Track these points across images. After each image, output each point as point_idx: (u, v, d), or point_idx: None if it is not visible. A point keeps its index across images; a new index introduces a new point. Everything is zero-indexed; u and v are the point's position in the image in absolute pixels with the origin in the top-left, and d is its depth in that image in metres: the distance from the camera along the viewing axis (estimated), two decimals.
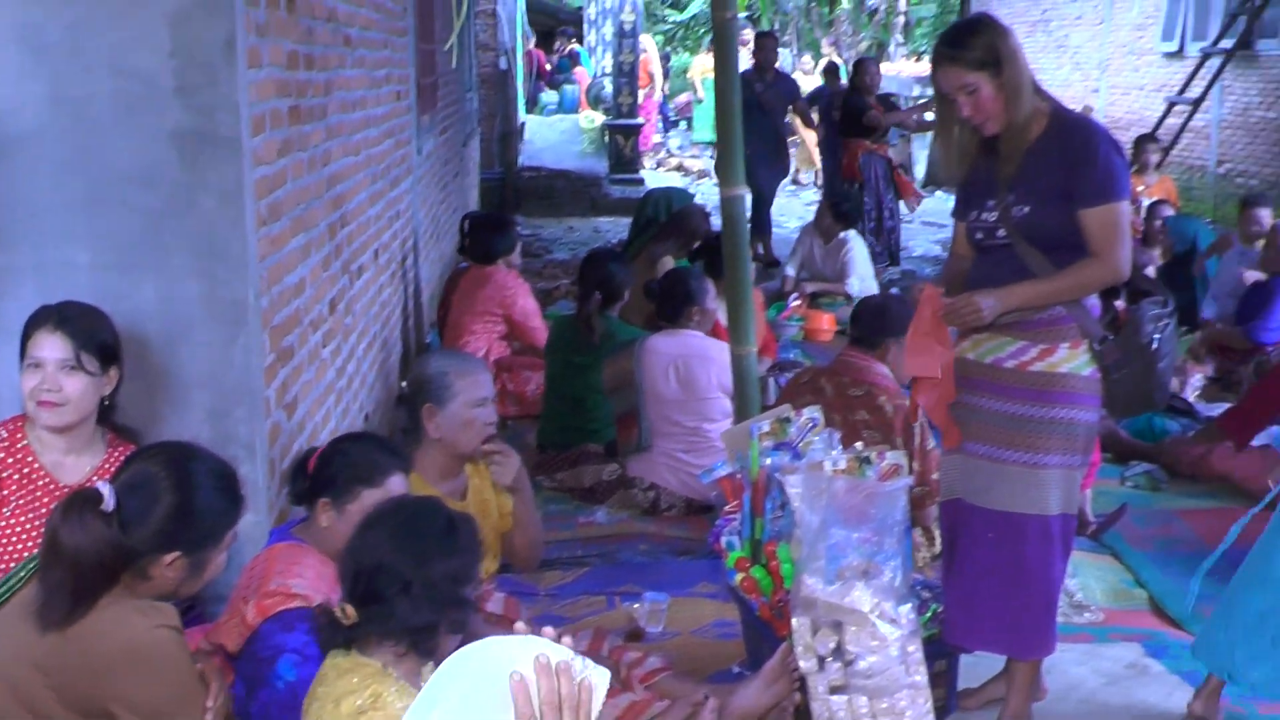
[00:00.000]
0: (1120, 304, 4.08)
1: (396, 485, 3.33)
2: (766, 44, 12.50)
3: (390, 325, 6.55)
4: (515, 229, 7.44)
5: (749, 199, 5.38)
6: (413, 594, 2.68)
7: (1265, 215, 7.97)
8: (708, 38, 22.34)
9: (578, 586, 4.99)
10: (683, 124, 24.16)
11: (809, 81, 18.89)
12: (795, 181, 18.46)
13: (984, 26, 3.80)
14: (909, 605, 3.67)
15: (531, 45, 23.78)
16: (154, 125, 3.53)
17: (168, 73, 3.51)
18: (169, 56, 3.50)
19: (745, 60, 11.80)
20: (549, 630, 1.78)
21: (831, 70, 16.78)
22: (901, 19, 30.59)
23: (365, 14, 5.79)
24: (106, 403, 3.43)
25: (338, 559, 3.25)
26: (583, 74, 24.02)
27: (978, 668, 4.21)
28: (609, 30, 18.96)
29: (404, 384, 4.01)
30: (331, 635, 2.74)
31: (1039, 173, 3.74)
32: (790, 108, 12.80)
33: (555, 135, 19.84)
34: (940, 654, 3.92)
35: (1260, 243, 7.98)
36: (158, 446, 3.06)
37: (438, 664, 2.73)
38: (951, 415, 3.91)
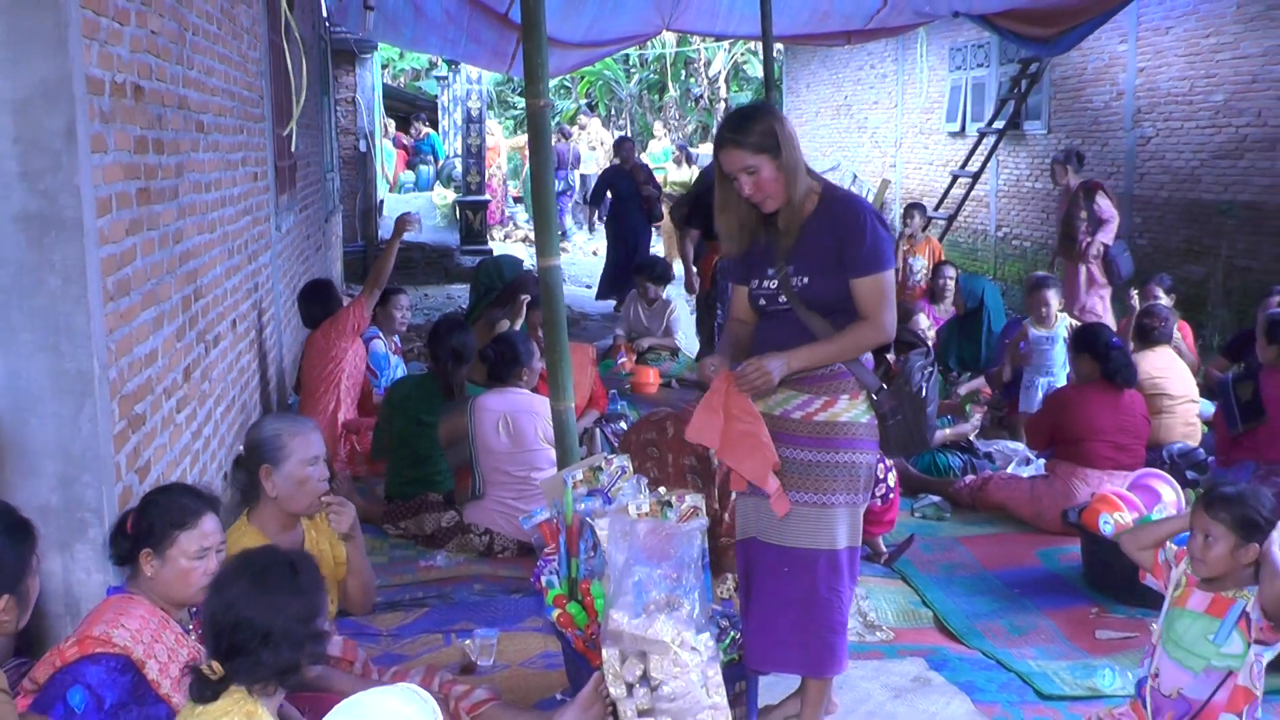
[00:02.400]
0: (891, 356, 4.15)
1: (208, 524, 3.24)
2: (626, 144, 12.52)
3: (250, 390, 6.40)
4: (336, 293, 7.22)
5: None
6: (273, 642, 2.65)
7: (1052, 296, 8.15)
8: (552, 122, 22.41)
9: (417, 626, 4.89)
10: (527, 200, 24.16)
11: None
12: None
13: (764, 114, 3.81)
14: (707, 634, 3.66)
15: (392, 131, 23.65)
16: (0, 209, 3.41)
17: (12, 159, 3.38)
18: (13, 143, 3.37)
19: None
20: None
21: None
22: (723, 104, 31.05)
23: (219, 102, 5.68)
24: None
25: (169, 603, 3.20)
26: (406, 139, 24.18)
27: (776, 686, 4.19)
28: (459, 116, 18.94)
29: (241, 449, 3.90)
30: (201, 690, 2.67)
31: (814, 246, 3.76)
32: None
33: (412, 211, 19.73)
34: (739, 676, 3.92)
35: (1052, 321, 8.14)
36: None
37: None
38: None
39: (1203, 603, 3.62)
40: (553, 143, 20.99)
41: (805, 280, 3.75)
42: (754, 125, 3.73)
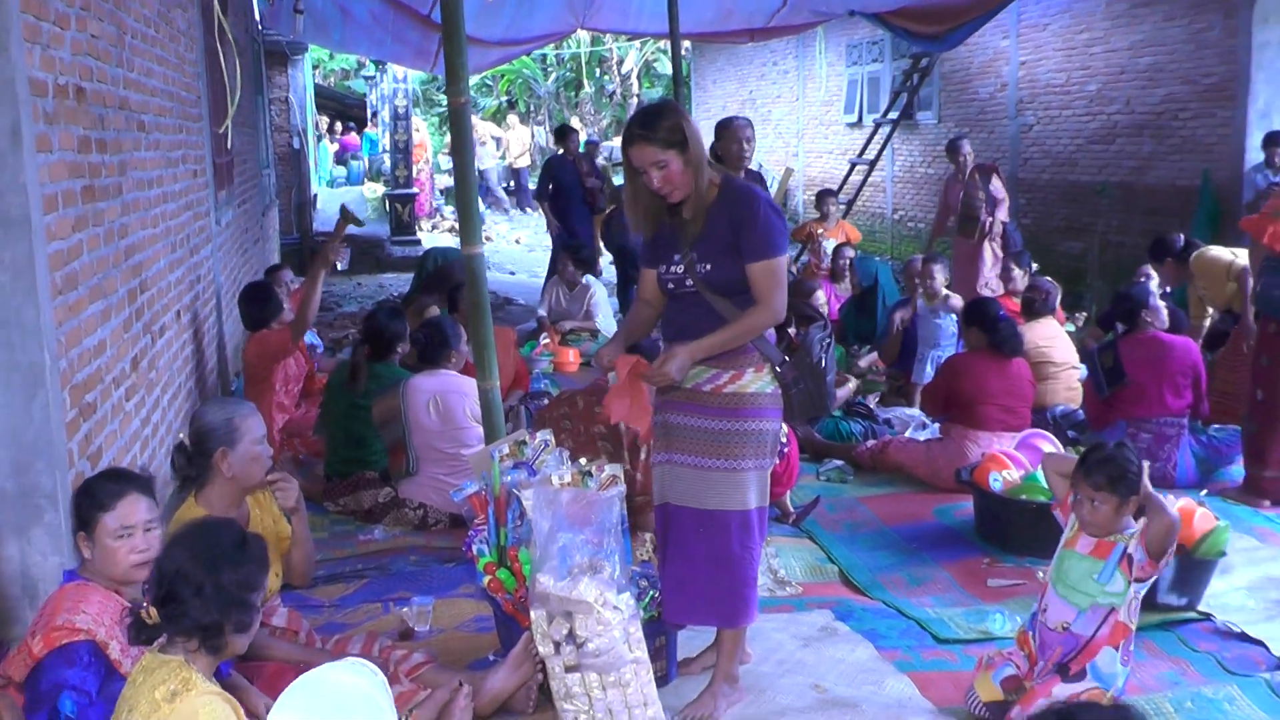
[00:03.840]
0: (793, 331, 4.21)
1: (128, 505, 3.19)
2: (570, 135, 12.11)
3: (194, 378, 6.32)
4: (274, 296, 7.00)
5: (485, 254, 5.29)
6: (203, 595, 2.65)
7: (938, 272, 8.26)
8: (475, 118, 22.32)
9: (357, 597, 4.86)
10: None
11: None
12: None
13: (670, 111, 3.79)
14: (628, 594, 3.69)
15: (324, 129, 23.40)
16: None
17: None
18: None
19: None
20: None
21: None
22: (635, 100, 31.04)
23: (158, 102, 5.59)
24: None
25: (113, 582, 3.18)
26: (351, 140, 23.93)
27: (693, 641, 4.23)
28: (387, 114, 18.79)
29: (182, 436, 3.86)
30: (138, 633, 2.70)
31: (715, 234, 3.78)
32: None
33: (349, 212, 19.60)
34: (659, 632, 3.95)
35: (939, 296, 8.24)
36: None
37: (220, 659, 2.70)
38: (653, 429, 3.97)
39: (1089, 546, 3.75)
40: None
41: (708, 266, 3.77)
42: (662, 122, 3.71)
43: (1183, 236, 8.52)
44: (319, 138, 20.98)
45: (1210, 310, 7.95)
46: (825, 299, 9.10)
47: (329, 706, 2.64)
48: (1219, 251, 7.71)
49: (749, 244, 3.72)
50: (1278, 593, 4.85)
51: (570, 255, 10.05)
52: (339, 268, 6.74)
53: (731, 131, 6.46)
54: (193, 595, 2.65)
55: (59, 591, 3.14)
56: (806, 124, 20.39)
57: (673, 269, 3.85)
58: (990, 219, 9.79)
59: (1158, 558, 3.64)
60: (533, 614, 3.68)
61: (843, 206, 16.01)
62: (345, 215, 6.79)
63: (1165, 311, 6.54)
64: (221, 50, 6.91)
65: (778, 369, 3.87)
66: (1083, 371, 7.37)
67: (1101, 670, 3.61)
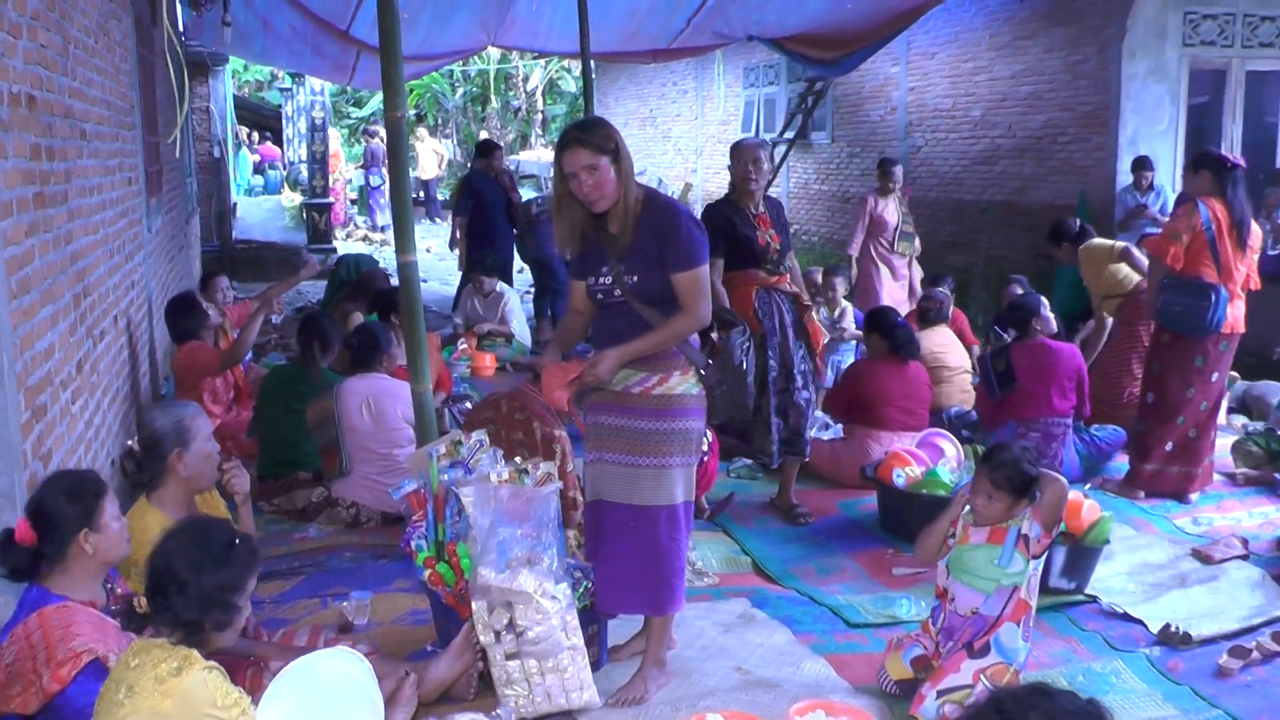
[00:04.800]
0: (715, 336, 4.31)
1: (109, 493, 3.18)
2: (494, 150, 11.46)
3: (130, 381, 6.22)
4: (199, 309, 6.82)
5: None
6: (187, 594, 2.66)
7: (839, 283, 8.47)
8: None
9: (296, 592, 4.84)
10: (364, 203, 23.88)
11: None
12: None
13: (605, 122, 3.89)
14: (565, 584, 3.76)
15: (244, 139, 23.03)
16: None
17: None
18: None
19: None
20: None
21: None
22: (539, 115, 31.07)
23: (98, 111, 5.50)
24: None
25: (99, 575, 3.15)
26: (269, 150, 23.62)
27: (621, 629, 4.31)
28: (303, 125, 18.60)
29: (129, 442, 3.83)
30: (127, 621, 2.74)
31: (641, 247, 3.82)
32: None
33: (262, 213, 19.37)
34: (592, 620, 4.01)
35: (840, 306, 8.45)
36: None
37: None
38: (586, 430, 4.02)
39: (982, 535, 3.90)
40: (365, 143, 20.55)
41: (635, 278, 3.83)
42: (597, 129, 3.80)
43: (1079, 221, 8.80)
44: (238, 147, 20.65)
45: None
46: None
47: (321, 692, 2.67)
48: (1101, 240, 7.94)
49: (673, 255, 3.79)
50: (1154, 577, 5.09)
51: (480, 269, 10.00)
52: (274, 321, 6.67)
53: (739, 154, 5.82)
54: (177, 592, 2.66)
55: (38, 620, 2.98)
56: (705, 142, 20.57)
57: (601, 280, 3.90)
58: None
59: (1050, 528, 3.81)
60: (474, 605, 3.72)
61: None
62: (308, 267, 6.83)
63: (1053, 320, 6.78)
64: (170, 63, 6.81)
65: (702, 372, 3.96)
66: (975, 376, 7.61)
67: (1004, 645, 3.76)
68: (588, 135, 3.77)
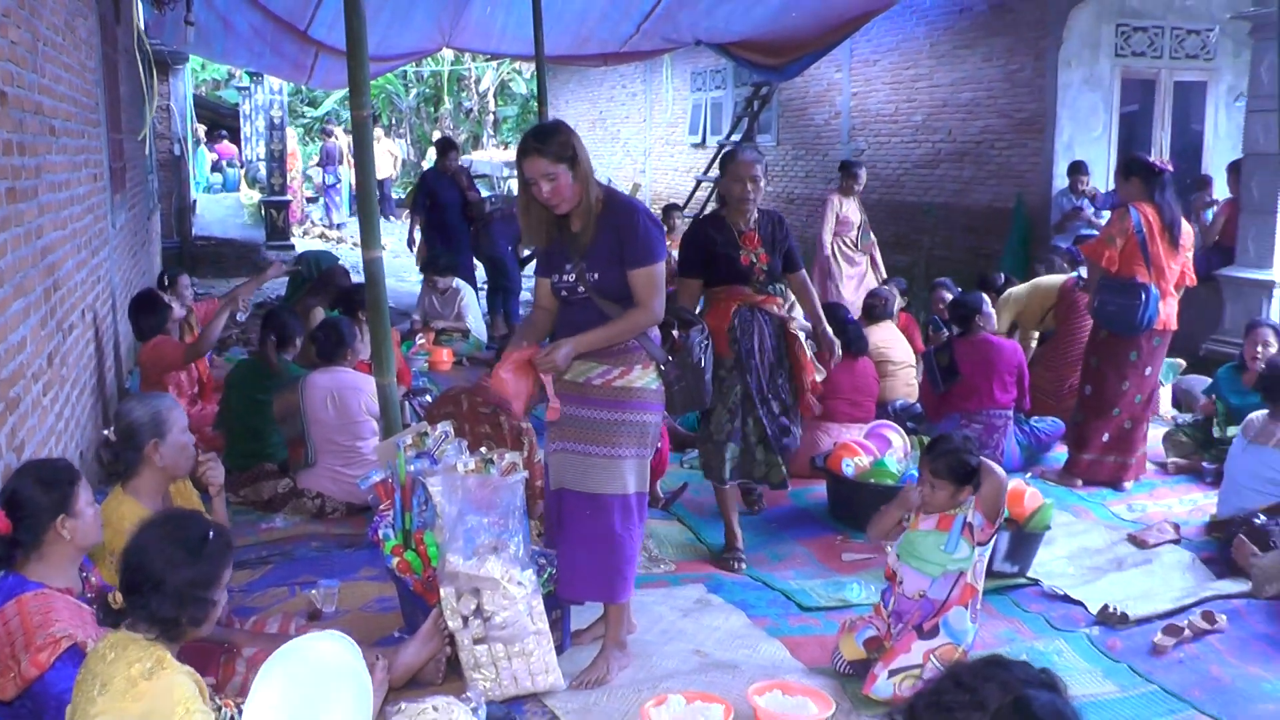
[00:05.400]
0: (676, 333, 4.34)
1: (82, 480, 3.16)
2: (450, 149, 11.37)
3: (97, 375, 6.16)
4: (162, 305, 6.74)
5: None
6: (163, 592, 2.62)
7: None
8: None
9: (264, 581, 4.81)
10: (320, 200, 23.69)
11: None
12: None
13: (562, 128, 3.87)
14: (530, 570, 3.78)
15: (202, 137, 22.73)
16: None
17: None
18: None
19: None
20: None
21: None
22: (491, 116, 30.96)
23: (65, 108, 5.44)
24: None
25: (74, 563, 3.13)
26: (226, 149, 23.40)
27: (584, 613, 4.34)
28: (261, 124, 18.42)
29: (105, 432, 3.80)
30: (105, 616, 2.67)
31: (602, 245, 3.85)
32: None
33: (222, 210, 19.15)
34: (555, 606, 4.03)
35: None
36: None
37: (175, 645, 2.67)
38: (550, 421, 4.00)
39: (930, 522, 3.97)
40: (321, 142, 20.26)
41: (596, 275, 3.86)
42: (555, 137, 3.79)
43: (1003, 276, 9.04)
44: (196, 145, 20.41)
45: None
46: None
47: (312, 676, 2.65)
48: (1015, 290, 8.12)
49: (631, 253, 3.83)
50: (1092, 561, 5.20)
51: (434, 268, 9.98)
52: (239, 318, 6.63)
53: (737, 169, 5.15)
54: (151, 590, 2.62)
55: (16, 607, 2.96)
56: (653, 143, 20.62)
57: (565, 277, 3.93)
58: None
59: (993, 518, 3.89)
60: (442, 591, 3.74)
61: (689, 220, 16.28)
62: (275, 266, 6.83)
63: (995, 317, 6.89)
64: (139, 61, 6.73)
65: (662, 367, 3.99)
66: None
67: (953, 626, 3.84)
68: (545, 144, 3.78)
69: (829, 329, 5.38)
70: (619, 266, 3.84)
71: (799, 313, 5.71)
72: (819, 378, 5.24)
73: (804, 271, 5.39)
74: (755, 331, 5.11)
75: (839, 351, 5.35)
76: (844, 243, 9.91)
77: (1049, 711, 1.85)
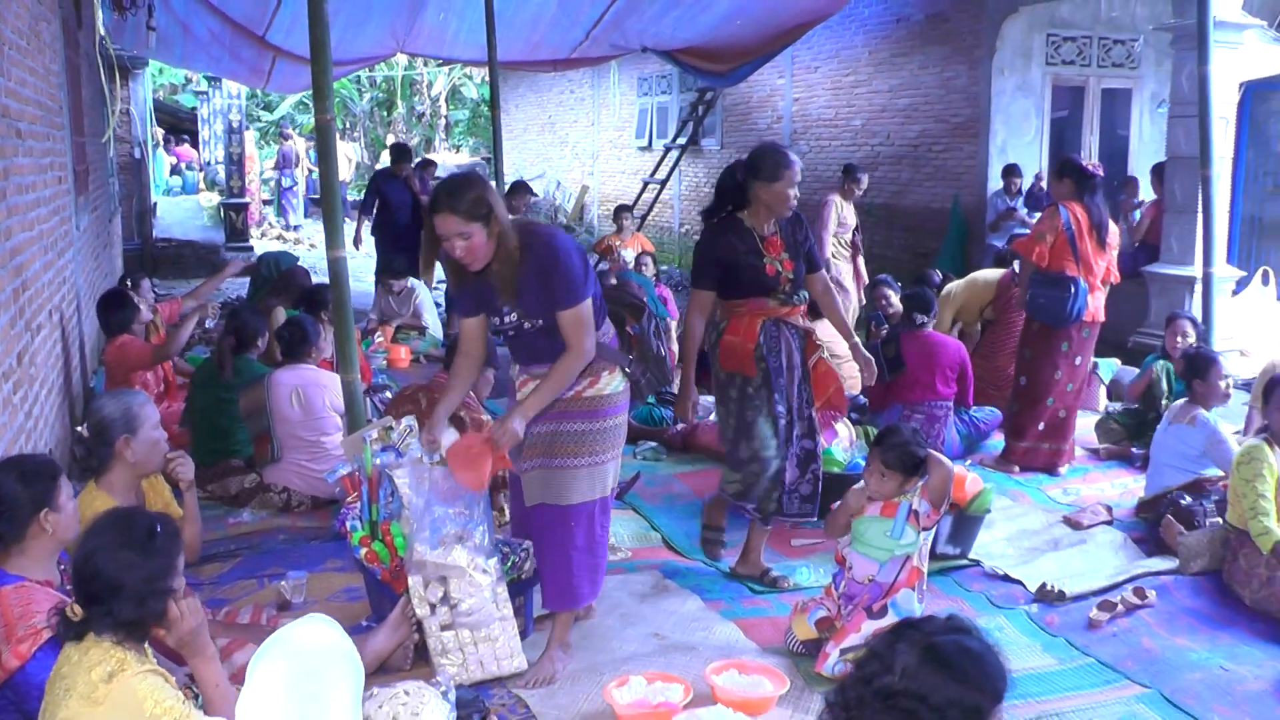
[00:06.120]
0: (629, 329, 4.35)
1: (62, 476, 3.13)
2: (403, 152, 11.32)
3: (64, 374, 6.09)
4: (130, 303, 6.64)
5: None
6: (121, 595, 2.56)
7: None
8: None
9: (234, 574, 4.79)
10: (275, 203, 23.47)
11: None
12: None
13: (476, 183, 3.66)
14: (495, 559, 3.81)
15: (161, 141, 22.43)
16: None
17: None
18: None
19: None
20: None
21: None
22: (443, 120, 30.83)
23: (31, 110, 5.37)
24: None
25: (53, 556, 3.11)
26: (185, 152, 23.13)
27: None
28: (220, 127, 18.25)
29: (78, 428, 3.77)
30: (67, 629, 2.59)
31: (532, 290, 3.70)
32: None
33: (181, 212, 18.92)
34: (518, 593, 4.04)
35: None
36: None
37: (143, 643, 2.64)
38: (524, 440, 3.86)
39: (876, 509, 4.04)
40: (279, 145, 20.23)
41: (539, 322, 3.76)
42: (467, 194, 3.58)
43: (939, 273, 9.14)
44: (155, 148, 20.15)
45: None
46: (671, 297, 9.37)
47: (308, 659, 2.64)
48: (953, 286, 8.23)
49: (558, 295, 3.69)
50: (1030, 542, 5.31)
51: (387, 273, 9.97)
52: (207, 325, 6.58)
53: (788, 174, 4.54)
54: (110, 597, 2.56)
55: (1, 598, 2.93)
56: (601, 146, 20.65)
57: (507, 319, 3.81)
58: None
59: (938, 506, 3.97)
60: (410, 580, 3.75)
61: (637, 220, 16.34)
62: (233, 264, 6.78)
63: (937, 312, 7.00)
64: (102, 65, 6.66)
65: (625, 370, 4.00)
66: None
67: (901, 607, 3.91)
68: (457, 202, 3.56)
69: (861, 346, 4.91)
70: (552, 308, 3.71)
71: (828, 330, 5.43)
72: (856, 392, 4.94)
73: (825, 272, 4.92)
74: (783, 348, 4.67)
75: (876, 370, 4.89)
76: (839, 244, 9.96)
77: (955, 649, 1.91)
